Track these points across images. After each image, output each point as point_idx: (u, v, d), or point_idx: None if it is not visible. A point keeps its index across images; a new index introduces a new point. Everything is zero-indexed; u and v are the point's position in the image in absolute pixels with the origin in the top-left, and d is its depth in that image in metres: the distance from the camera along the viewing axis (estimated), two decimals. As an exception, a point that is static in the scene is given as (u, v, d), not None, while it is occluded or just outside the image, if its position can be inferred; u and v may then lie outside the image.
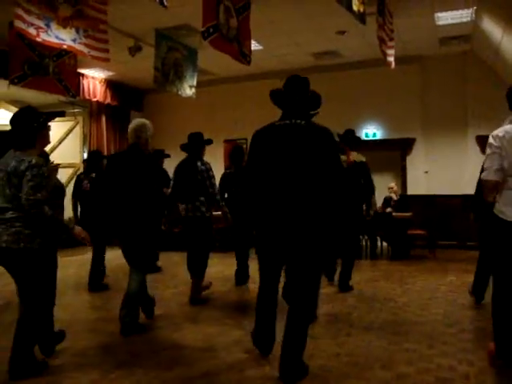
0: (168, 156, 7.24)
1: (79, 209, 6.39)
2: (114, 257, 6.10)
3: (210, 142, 5.55)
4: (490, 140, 3.05)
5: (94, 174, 6.32)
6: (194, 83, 8.49)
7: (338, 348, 3.75)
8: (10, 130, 3.32)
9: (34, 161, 3.17)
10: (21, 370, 3.18)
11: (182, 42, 8.19)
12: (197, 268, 5.24)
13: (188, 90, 8.35)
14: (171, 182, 5.47)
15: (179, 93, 8.16)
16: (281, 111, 3.30)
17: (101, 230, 5.94)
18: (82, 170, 10.14)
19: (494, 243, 3.10)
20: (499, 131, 3.05)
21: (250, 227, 5.52)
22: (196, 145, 5.41)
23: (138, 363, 3.49)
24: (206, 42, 5.74)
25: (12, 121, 3.35)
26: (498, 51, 8.59)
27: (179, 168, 5.38)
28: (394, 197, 9.11)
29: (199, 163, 5.25)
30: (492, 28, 7.99)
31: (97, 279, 6.12)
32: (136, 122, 4.44)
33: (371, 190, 5.93)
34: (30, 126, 3.30)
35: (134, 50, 8.03)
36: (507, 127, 3.05)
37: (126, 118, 11.80)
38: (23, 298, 3.25)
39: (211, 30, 5.68)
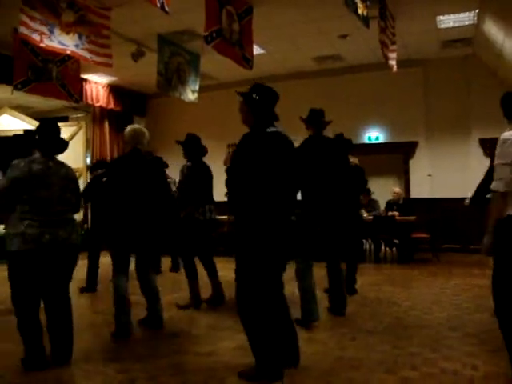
0: (167, 166, 7.27)
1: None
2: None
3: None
4: (498, 147, 2.99)
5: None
6: (197, 88, 8.53)
7: (341, 352, 3.73)
8: (38, 138, 3.55)
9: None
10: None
11: (185, 47, 8.23)
12: (212, 268, 5.41)
13: (190, 94, 8.38)
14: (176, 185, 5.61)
15: (182, 97, 8.19)
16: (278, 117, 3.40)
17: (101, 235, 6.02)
18: (84, 175, 10.24)
19: (506, 246, 2.98)
20: (509, 135, 3.00)
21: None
22: (198, 148, 5.48)
23: (141, 368, 3.48)
24: (209, 46, 5.79)
25: (44, 129, 3.60)
26: (500, 54, 8.58)
27: (192, 171, 5.28)
28: (400, 201, 9.09)
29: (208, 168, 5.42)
30: (494, 31, 7.99)
31: (94, 282, 6.24)
32: (135, 127, 4.48)
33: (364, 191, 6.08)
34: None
35: (137, 56, 8.06)
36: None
37: (128, 122, 11.78)
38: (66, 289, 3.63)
39: (214, 35, 5.72)
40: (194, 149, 5.41)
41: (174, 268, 7.76)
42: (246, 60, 6.49)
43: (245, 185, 3.11)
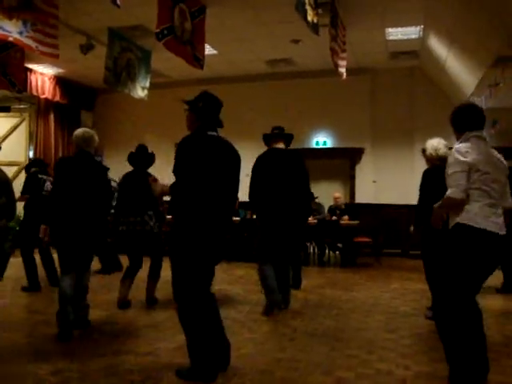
0: (108, 169, 7.20)
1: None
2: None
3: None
4: (457, 155, 3.06)
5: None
6: (147, 85, 8.39)
7: (280, 353, 3.77)
8: None
9: None
10: None
11: (136, 43, 8.09)
12: (156, 272, 5.39)
13: (140, 91, 8.24)
14: (115, 194, 5.52)
15: (131, 94, 8.05)
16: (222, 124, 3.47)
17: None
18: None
19: (458, 252, 3.07)
20: (466, 148, 3.08)
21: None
22: (145, 158, 5.41)
23: (76, 369, 3.39)
24: (160, 43, 5.72)
25: None
26: (443, 68, 8.95)
27: (127, 180, 5.35)
28: (341, 206, 9.29)
29: (150, 178, 5.28)
30: (438, 46, 8.32)
31: (35, 280, 6.06)
32: (87, 131, 4.45)
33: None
34: None
35: (86, 48, 7.85)
36: (471, 145, 3.10)
37: (75, 117, 11.55)
38: None
39: (166, 32, 5.67)
40: (137, 158, 5.41)
41: (105, 270, 7.51)
42: (197, 59, 6.46)
43: (181, 186, 3.18)
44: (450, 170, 3.07)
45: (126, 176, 5.41)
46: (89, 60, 8.57)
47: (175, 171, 3.21)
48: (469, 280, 3.04)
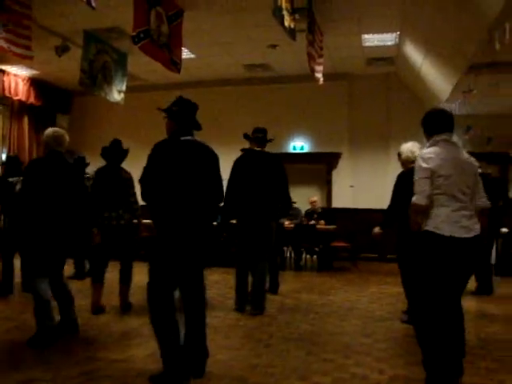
0: (88, 164, 7.16)
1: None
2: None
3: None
4: (420, 162, 3.14)
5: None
6: (123, 88, 8.32)
7: (256, 359, 3.75)
8: None
9: None
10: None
11: (112, 45, 8.00)
12: (127, 275, 5.30)
13: (116, 94, 8.16)
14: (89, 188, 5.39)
15: (107, 97, 7.96)
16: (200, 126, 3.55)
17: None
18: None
19: (426, 259, 3.12)
20: (429, 153, 3.15)
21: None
22: (119, 152, 5.33)
23: (50, 377, 3.31)
24: (136, 46, 5.67)
25: None
26: (419, 75, 9.07)
27: (101, 175, 5.27)
28: (317, 210, 9.32)
29: (123, 172, 5.30)
30: (414, 53, 8.44)
31: (8, 285, 6.00)
32: (55, 130, 4.39)
33: None
34: None
35: (61, 50, 7.73)
36: (436, 150, 3.16)
37: (51, 119, 11.32)
38: None
39: (142, 35, 5.62)
40: (111, 152, 5.32)
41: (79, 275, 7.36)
42: (174, 63, 6.42)
43: (148, 190, 3.30)
44: (415, 177, 3.15)
45: (99, 171, 5.30)
46: (64, 62, 8.45)
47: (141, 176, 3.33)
48: (441, 285, 3.08)
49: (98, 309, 5.11)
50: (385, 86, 10.28)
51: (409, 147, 4.79)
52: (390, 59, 9.45)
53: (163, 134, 3.51)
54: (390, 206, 4.87)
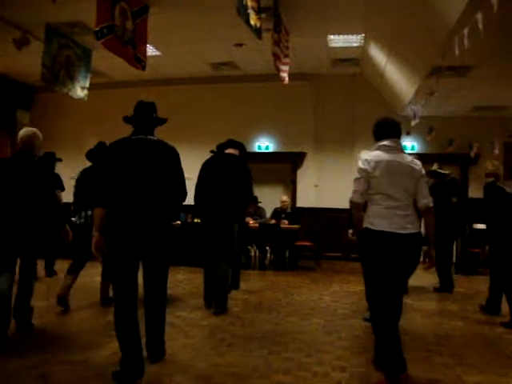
0: (59, 160, 7.04)
1: None
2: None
3: None
4: (360, 164, 3.46)
5: None
6: (87, 85, 8.13)
7: (218, 358, 3.74)
8: None
9: None
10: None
11: (76, 40, 7.82)
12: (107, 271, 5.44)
13: (80, 91, 7.98)
14: (73, 189, 5.56)
15: (70, 94, 7.76)
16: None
17: None
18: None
19: (366, 252, 3.41)
20: (368, 156, 3.47)
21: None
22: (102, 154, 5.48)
23: (4, 381, 3.22)
24: (99, 42, 5.56)
25: None
26: (383, 77, 9.22)
27: (85, 176, 5.45)
28: (287, 209, 9.37)
29: None
30: (378, 55, 8.57)
31: None
32: (27, 129, 4.45)
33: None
34: None
35: (21, 43, 7.49)
36: (375, 153, 3.48)
37: (10, 116, 10.98)
38: None
39: (105, 31, 5.53)
40: (96, 154, 5.54)
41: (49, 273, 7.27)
42: (139, 60, 6.33)
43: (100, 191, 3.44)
44: (354, 177, 3.47)
45: (84, 171, 5.51)
46: (25, 56, 8.21)
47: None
48: (379, 277, 3.32)
49: (61, 299, 5.09)
50: (350, 86, 10.37)
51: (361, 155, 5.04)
52: (356, 60, 9.55)
53: (128, 133, 3.58)
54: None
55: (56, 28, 7.36)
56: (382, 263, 3.28)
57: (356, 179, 3.44)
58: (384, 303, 3.31)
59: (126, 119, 3.61)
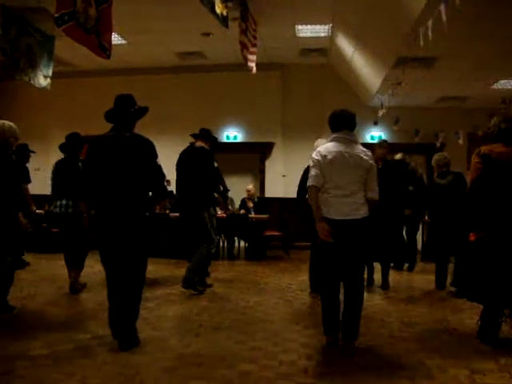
0: (33, 152, 6.94)
1: None
2: None
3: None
4: (313, 155, 3.77)
5: None
6: (50, 73, 7.90)
7: (184, 349, 3.73)
8: None
9: None
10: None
11: (37, 27, 7.58)
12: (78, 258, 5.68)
13: (42, 80, 7.75)
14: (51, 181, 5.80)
15: (32, 82, 7.54)
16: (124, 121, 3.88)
17: None
18: None
19: (316, 236, 3.78)
20: (321, 148, 3.78)
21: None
22: (75, 145, 5.75)
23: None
24: (59, 29, 5.41)
25: None
26: (350, 67, 9.28)
27: (59, 167, 5.73)
28: (253, 199, 9.37)
29: (80, 163, 5.56)
30: (345, 45, 8.61)
31: None
32: (5, 123, 4.61)
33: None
34: None
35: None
36: (328, 145, 3.79)
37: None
38: None
39: (66, 18, 5.35)
40: (68, 145, 5.79)
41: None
42: (103, 49, 6.15)
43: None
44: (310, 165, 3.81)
45: (58, 163, 5.78)
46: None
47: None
48: (327, 258, 3.76)
49: (74, 286, 5.57)
50: (319, 76, 10.41)
51: (318, 143, 5.29)
52: (324, 50, 9.59)
53: (98, 122, 3.94)
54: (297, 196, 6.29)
55: (14, 13, 7.08)
56: (330, 246, 3.65)
57: (311, 167, 3.77)
58: (328, 279, 3.79)
59: (106, 117, 3.85)
